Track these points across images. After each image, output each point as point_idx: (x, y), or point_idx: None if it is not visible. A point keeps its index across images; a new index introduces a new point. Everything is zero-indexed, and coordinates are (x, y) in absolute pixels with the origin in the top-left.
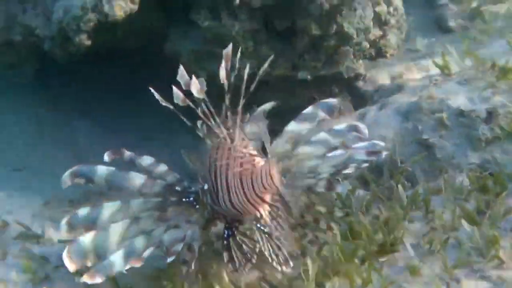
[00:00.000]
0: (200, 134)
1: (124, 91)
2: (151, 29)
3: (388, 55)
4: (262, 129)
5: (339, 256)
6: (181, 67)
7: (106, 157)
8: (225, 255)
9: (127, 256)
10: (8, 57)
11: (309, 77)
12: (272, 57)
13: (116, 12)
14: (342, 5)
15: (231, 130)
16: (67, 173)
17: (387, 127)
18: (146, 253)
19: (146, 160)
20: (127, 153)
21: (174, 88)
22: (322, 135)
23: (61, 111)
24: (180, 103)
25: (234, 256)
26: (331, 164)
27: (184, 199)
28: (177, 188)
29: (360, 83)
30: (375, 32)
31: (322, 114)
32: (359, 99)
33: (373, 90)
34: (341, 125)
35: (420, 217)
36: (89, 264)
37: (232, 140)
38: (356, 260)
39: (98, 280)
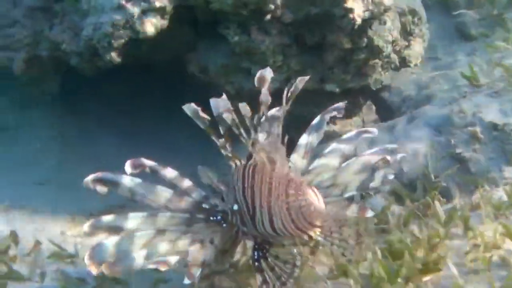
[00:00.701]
0: (226, 153)
1: (150, 106)
2: (179, 44)
3: (412, 65)
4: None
5: (381, 275)
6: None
7: (127, 168)
8: (258, 277)
9: (149, 256)
10: (33, 72)
11: (337, 89)
12: (306, 78)
13: (147, 28)
14: (373, 18)
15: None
16: (91, 176)
17: (418, 141)
18: (173, 260)
19: (171, 173)
20: (149, 163)
21: (213, 101)
22: (334, 145)
23: (85, 126)
24: (224, 115)
25: (268, 279)
26: (353, 173)
27: (211, 217)
28: (204, 205)
29: (385, 94)
30: (400, 43)
31: (328, 116)
32: (385, 110)
33: (399, 100)
34: (349, 133)
35: (459, 234)
36: None
37: (273, 164)
38: (400, 280)
39: (117, 270)
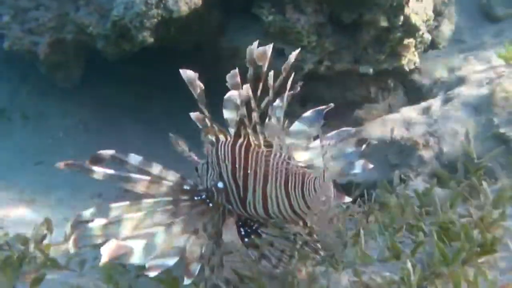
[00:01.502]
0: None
1: (172, 92)
2: (208, 26)
3: (440, 46)
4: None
5: (439, 258)
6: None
7: (89, 167)
8: (252, 253)
9: (148, 250)
10: (55, 57)
11: (371, 70)
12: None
13: (181, 7)
14: None
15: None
16: (62, 163)
17: (457, 122)
18: (170, 262)
19: (135, 159)
20: (108, 153)
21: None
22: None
23: (108, 113)
24: (238, 97)
25: (268, 253)
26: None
27: (196, 197)
28: (185, 187)
29: (416, 76)
30: (432, 23)
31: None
32: (415, 93)
33: (430, 83)
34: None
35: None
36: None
37: (270, 147)
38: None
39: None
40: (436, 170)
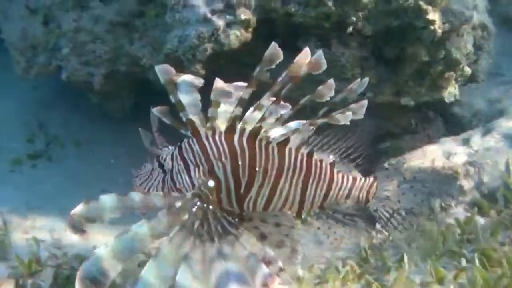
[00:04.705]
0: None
1: None
2: (254, 58)
3: (479, 80)
4: None
5: (482, 284)
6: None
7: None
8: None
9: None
10: (109, 87)
11: (412, 103)
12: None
13: (232, 41)
14: (452, 30)
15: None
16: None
17: (497, 153)
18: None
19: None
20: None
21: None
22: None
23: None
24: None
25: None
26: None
27: (193, 209)
28: (177, 204)
29: (455, 108)
30: (471, 56)
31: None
32: (455, 124)
33: (469, 115)
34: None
35: None
36: None
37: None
38: None
39: None
40: (477, 200)
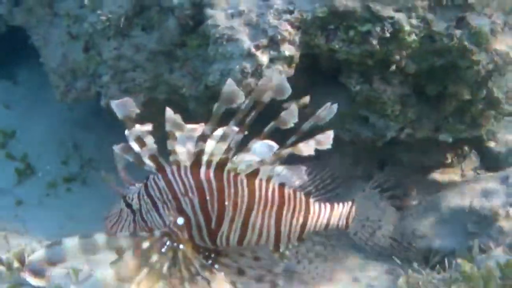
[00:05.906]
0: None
1: None
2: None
3: None
4: None
5: None
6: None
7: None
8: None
9: None
10: (146, 114)
11: (450, 140)
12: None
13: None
14: (495, 70)
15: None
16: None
17: None
18: None
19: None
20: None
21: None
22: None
23: None
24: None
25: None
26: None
27: (162, 250)
28: (144, 244)
29: (492, 144)
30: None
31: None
32: (491, 160)
33: (506, 151)
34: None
35: None
36: None
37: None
38: None
39: None
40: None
